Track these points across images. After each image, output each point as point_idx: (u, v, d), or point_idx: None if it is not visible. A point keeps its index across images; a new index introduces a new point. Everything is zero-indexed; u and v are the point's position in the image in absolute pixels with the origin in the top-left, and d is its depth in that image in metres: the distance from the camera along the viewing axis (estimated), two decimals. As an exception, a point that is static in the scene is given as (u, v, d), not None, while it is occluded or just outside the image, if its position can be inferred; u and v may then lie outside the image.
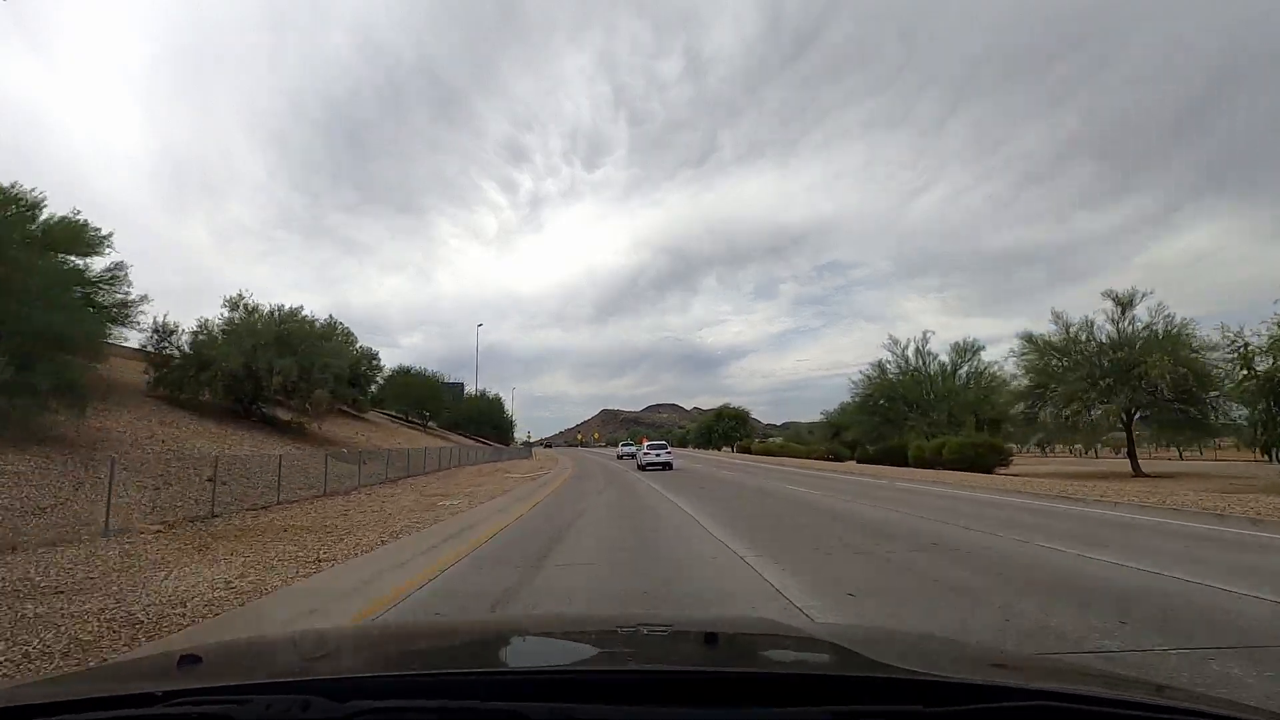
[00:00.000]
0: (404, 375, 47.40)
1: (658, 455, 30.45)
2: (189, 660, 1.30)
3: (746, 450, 65.98)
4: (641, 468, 30.17)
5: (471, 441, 47.28)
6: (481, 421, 55.20)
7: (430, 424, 51.73)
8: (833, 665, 1.48)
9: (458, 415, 53.26)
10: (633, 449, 52.06)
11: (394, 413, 46.64)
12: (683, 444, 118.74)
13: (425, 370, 48.87)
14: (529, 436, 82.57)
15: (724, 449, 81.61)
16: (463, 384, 60.33)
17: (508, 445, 65.76)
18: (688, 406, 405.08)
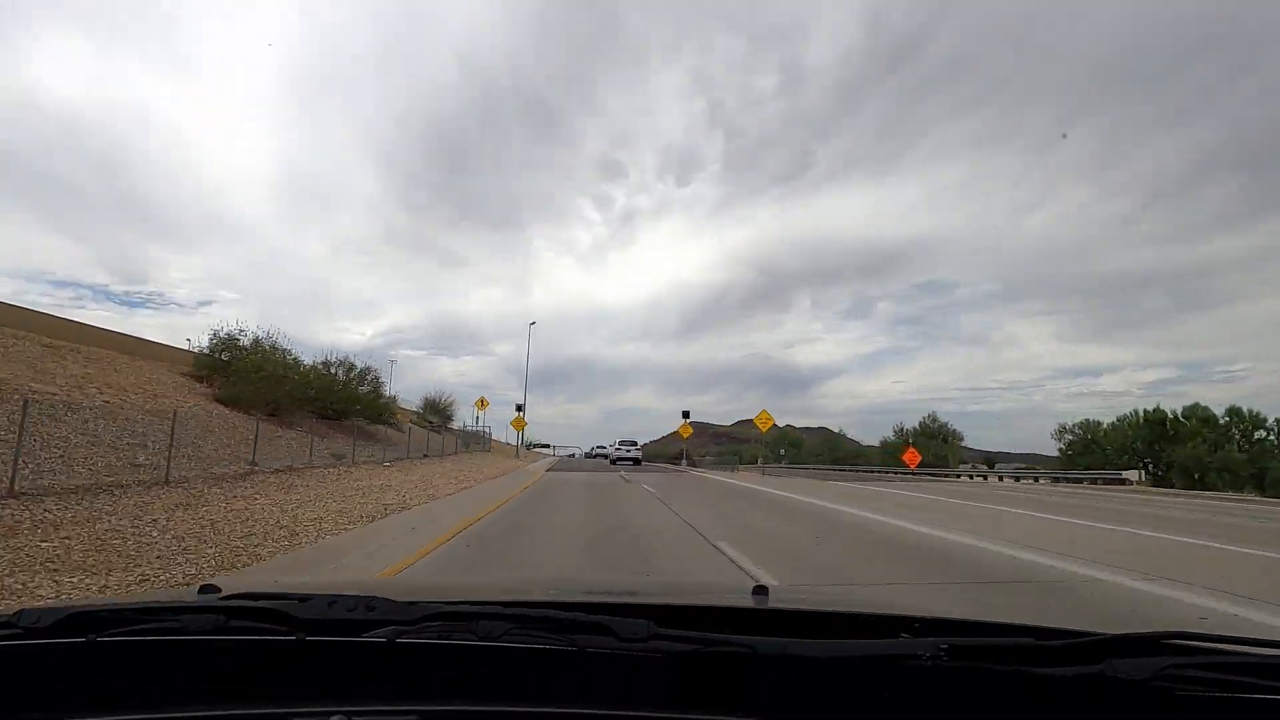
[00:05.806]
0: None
1: (628, 451, 35.27)
2: (209, 589, 1.15)
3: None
4: (613, 462, 35.43)
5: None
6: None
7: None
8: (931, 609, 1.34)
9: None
10: (605, 449, 58.32)
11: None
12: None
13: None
14: (522, 434, 43.10)
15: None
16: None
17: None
18: (779, 424, 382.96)
